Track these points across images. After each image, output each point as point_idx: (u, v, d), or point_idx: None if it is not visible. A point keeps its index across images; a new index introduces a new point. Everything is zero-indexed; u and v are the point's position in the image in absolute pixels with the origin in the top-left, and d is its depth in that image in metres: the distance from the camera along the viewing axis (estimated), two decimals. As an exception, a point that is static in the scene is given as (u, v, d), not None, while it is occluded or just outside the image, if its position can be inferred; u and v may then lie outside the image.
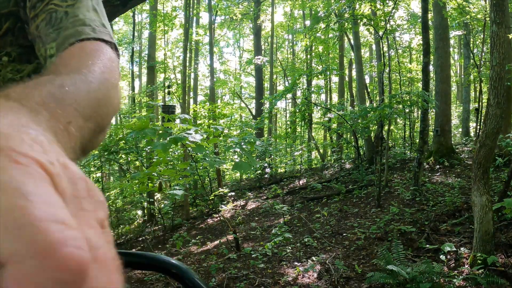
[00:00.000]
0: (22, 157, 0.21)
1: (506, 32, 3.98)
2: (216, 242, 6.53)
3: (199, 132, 4.02)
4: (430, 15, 9.48)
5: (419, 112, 9.19)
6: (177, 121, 5.48)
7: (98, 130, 0.44)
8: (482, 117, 6.76)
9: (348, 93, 15.51)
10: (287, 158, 14.08)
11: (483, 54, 11.74)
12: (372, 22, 8.73)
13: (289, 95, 13.00)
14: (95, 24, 0.63)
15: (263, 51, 20.62)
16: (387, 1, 8.32)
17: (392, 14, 8.73)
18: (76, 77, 0.43)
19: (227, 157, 12.88)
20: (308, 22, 17.06)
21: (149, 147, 7.14)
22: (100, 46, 0.58)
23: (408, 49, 16.43)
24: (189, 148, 4.62)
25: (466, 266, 3.81)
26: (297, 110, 10.17)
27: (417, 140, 9.28)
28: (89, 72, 0.46)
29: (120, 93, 0.54)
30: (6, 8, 0.69)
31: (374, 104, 10.94)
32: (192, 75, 13.75)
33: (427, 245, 4.61)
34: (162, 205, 10.28)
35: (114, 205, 10.37)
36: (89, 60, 0.50)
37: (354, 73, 14.17)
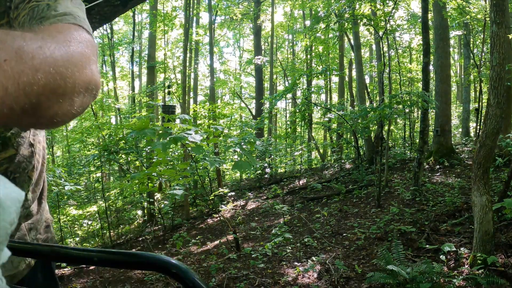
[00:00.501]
0: None
1: (506, 32, 3.98)
2: (216, 242, 6.53)
3: (199, 132, 4.02)
4: (430, 15, 9.48)
5: (419, 112, 9.19)
6: (177, 121, 5.49)
7: (56, 90, 0.45)
8: (482, 117, 6.76)
9: (348, 93, 15.51)
10: (287, 158, 14.08)
11: (483, 54, 11.74)
12: (372, 22, 8.73)
13: (289, 95, 13.00)
14: (77, 15, 0.66)
15: (263, 51, 20.62)
16: (387, 1, 8.32)
17: (392, 14, 8.73)
18: (33, 36, 0.45)
19: (227, 157, 12.88)
20: (308, 22, 17.06)
21: (149, 147, 7.14)
22: (74, 27, 0.60)
23: (408, 49, 16.42)
24: (189, 148, 4.62)
25: (466, 266, 3.81)
26: (297, 110, 10.17)
27: (417, 140, 9.28)
28: (50, 38, 0.48)
29: (94, 70, 0.54)
30: (3, 19, 0.72)
31: (374, 104, 10.94)
32: (192, 75, 13.74)
33: (427, 245, 4.61)
34: (162, 205, 10.28)
35: (114, 205, 10.37)
36: (57, 33, 0.52)
37: (354, 73, 14.17)
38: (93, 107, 10.77)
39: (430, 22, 9.57)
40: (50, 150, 14.54)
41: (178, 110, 12.65)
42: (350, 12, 8.59)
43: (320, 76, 11.93)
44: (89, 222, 10.21)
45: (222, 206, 9.08)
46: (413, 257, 4.44)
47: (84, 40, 0.56)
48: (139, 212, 10.79)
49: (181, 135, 3.81)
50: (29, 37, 0.44)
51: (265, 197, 10.26)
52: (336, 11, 9.40)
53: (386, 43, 9.31)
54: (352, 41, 13.00)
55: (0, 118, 0.39)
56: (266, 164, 12.08)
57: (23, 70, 0.40)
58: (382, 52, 9.28)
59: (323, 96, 19.39)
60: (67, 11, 0.65)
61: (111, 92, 17.92)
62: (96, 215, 9.72)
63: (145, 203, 9.63)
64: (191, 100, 12.82)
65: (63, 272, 6.10)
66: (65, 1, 0.68)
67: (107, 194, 9.71)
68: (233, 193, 10.81)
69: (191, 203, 10.39)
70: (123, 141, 7.80)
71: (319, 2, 14.44)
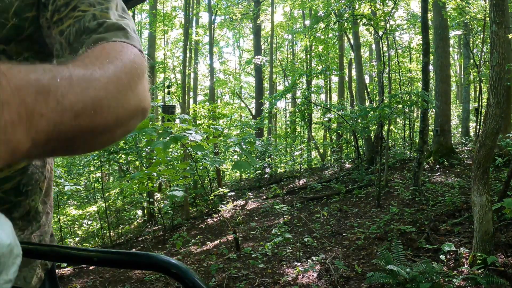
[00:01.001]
0: None
1: (506, 32, 3.98)
2: (216, 242, 6.53)
3: (199, 132, 4.02)
4: (430, 15, 9.48)
5: (419, 112, 9.20)
6: (177, 121, 5.49)
7: (95, 130, 0.42)
8: (482, 117, 6.76)
9: (348, 93, 15.51)
10: (287, 158, 14.08)
11: (483, 54, 11.74)
12: (372, 22, 8.73)
13: (289, 95, 13.00)
14: (127, 28, 0.61)
15: (263, 51, 20.62)
16: (387, 1, 8.32)
17: (392, 14, 8.73)
18: (78, 72, 0.41)
19: (227, 157, 12.88)
20: (308, 22, 17.06)
21: (149, 147, 7.14)
22: (126, 47, 0.55)
23: (408, 49, 16.43)
24: (189, 148, 4.62)
25: (466, 266, 3.81)
26: (297, 110, 10.17)
27: (417, 140, 9.29)
28: (99, 69, 0.44)
29: (141, 96, 0.50)
30: (30, 12, 0.67)
31: (374, 104, 10.93)
32: (192, 75, 13.75)
33: (427, 245, 4.61)
34: (162, 205, 10.28)
35: (114, 205, 10.37)
36: (106, 58, 0.48)
37: (354, 73, 14.17)
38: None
39: (430, 22, 9.57)
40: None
41: (178, 110, 12.67)
42: (349, 12, 8.59)
43: (319, 76, 11.93)
44: (89, 222, 10.22)
45: (222, 206, 9.08)
46: (413, 257, 4.44)
47: (133, 61, 0.51)
48: (139, 212, 10.79)
49: (182, 134, 3.81)
50: (69, 75, 0.39)
51: (265, 197, 10.26)
52: (336, 11, 9.40)
53: (386, 43, 9.31)
54: (351, 41, 13.00)
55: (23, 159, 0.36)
56: (266, 164, 12.08)
57: (60, 118, 0.37)
58: (382, 52, 9.28)
59: (322, 96, 19.39)
60: (116, 24, 0.60)
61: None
62: (96, 215, 9.72)
63: (145, 203, 9.63)
64: (191, 100, 12.83)
65: (63, 272, 6.10)
66: (112, 10, 0.63)
67: (107, 194, 9.71)
68: (233, 193, 10.81)
69: (191, 203, 10.39)
70: (123, 141, 7.79)
71: (319, 2, 14.45)
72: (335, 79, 17.97)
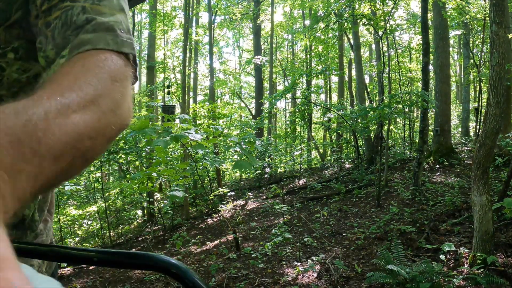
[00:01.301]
0: None
1: (505, 32, 3.98)
2: (216, 242, 6.54)
3: (199, 132, 4.02)
4: (429, 15, 9.48)
5: (419, 112, 9.19)
6: (177, 120, 5.49)
7: (80, 161, 0.40)
8: (482, 117, 6.76)
9: (348, 93, 15.51)
10: (287, 158, 14.08)
11: (483, 53, 11.74)
12: (371, 22, 8.73)
13: (288, 95, 13.00)
14: (120, 29, 0.55)
15: (262, 51, 20.62)
16: (387, 1, 8.32)
17: (391, 14, 8.73)
18: (55, 104, 0.38)
19: (227, 157, 12.87)
20: (307, 22, 17.06)
21: (149, 147, 7.14)
22: (110, 61, 0.51)
23: (407, 49, 16.42)
24: (189, 148, 4.62)
25: (466, 265, 3.82)
26: (297, 110, 10.17)
27: (417, 140, 9.29)
28: (78, 96, 0.41)
29: (124, 115, 0.48)
30: None
31: (374, 104, 10.93)
32: (192, 75, 13.75)
33: (427, 245, 4.61)
34: (162, 205, 10.28)
35: (114, 205, 10.36)
36: (86, 78, 0.45)
37: (353, 72, 14.17)
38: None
39: (429, 22, 9.57)
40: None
41: (177, 110, 12.67)
42: (349, 12, 8.59)
43: (319, 76, 11.94)
44: (89, 222, 10.21)
45: (222, 206, 9.08)
46: (413, 256, 4.44)
47: (113, 85, 0.47)
48: (139, 212, 10.79)
49: (182, 133, 3.81)
50: (46, 112, 0.36)
51: (264, 197, 10.26)
52: (336, 11, 9.40)
53: (386, 43, 9.31)
54: (351, 41, 13.00)
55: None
56: (265, 164, 12.08)
57: (39, 169, 0.34)
58: (381, 51, 9.28)
59: (322, 96, 19.38)
60: (106, 24, 0.54)
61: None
62: (96, 215, 9.72)
63: (145, 203, 9.63)
64: (191, 100, 12.83)
65: (63, 272, 6.10)
66: (105, 0, 0.57)
67: (106, 194, 9.70)
68: (232, 193, 10.80)
69: (191, 203, 10.39)
70: (123, 141, 7.79)
71: (319, 2, 14.45)
72: (335, 79, 17.98)
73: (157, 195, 10.37)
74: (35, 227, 0.79)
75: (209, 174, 11.16)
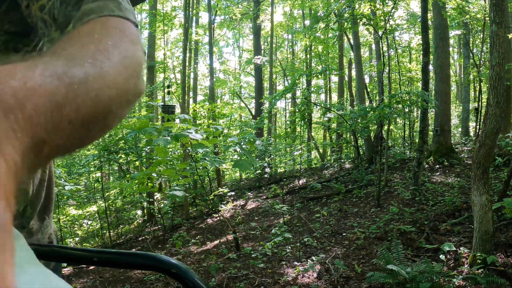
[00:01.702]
0: None
1: (505, 32, 3.98)
2: (216, 242, 6.54)
3: (199, 132, 4.03)
4: (429, 15, 9.48)
5: (419, 112, 9.19)
6: (177, 120, 5.48)
7: (101, 128, 0.37)
8: (482, 117, 6.76)
9: (348, 93, 15.51)
10: (287, 158, 14.08)
11: (483, 53, 11.74)
12: (371, 22, 8.73)
13: (288, 95, 13.00)
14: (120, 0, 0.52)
15: (262, 51, 20.62)
16: (387, 1, 8.32)
17: (391, 13, 8.73)
18: (85, 66, 0.34)
19: (227, 157, 12.87)
20: (307, 22, 17.06)
21: (148, 147, 7.14)
22: (125, 25, 0.48)
23: (407, 49, 16.43)
24: (189, 148, 4.62)
25: (466, 265, 3.82)
26: (297, 110, 10.17)
27: (417, 140, 9.29)
28: (106, 59, 0.38)
29: (140, 82, 0.44)
30: None
31: (374, 104, 10.93)
32: (192, 75, 13.75)
33: (427, 245, 4.61)
34: (162, 205, 10.28)
35: (114, 205, 10.37)
36: (108, 41, 0.41)
37: (353, 72, 14.16)
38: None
39: (429, 22, 9.57)
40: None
41: (177, 110, 12.66)
42: (349, 12, 8.59)
43: (319, 76, 11.94)
44: (89, 222, 10.21)
45: (222, 206, 9.08)
46: (413, 256, 4.44)
47: (135, 50, 0.45)
48: (139, 212, 10.79)
49: (182, 133, 3.82)
50: (66, 64, 0.33)
51: (264, 197, 10.26)
52: (336, 11, 9.39)
53: (386, 43, 9.31)
54: (351, 41, 13.00)
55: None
56: (265, 164, 12.08)
57: (60, 121, 0.30)
58: (381, 51, 9.28)
59: (322, 96, 19.39)
60: None
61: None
62: (96, 215, 9.72)
63: (145, 203, 9.63)
64: (191, 100, 12.82)
65: (63, 272, 6.09)
66: None
67: (106, 194, 9.70)
68: (232, 193, 10.80)
69: (191, 203, 10.39)
70: (123, 141, 7.79)
71: (319, 2, 14.45)
72: (335, 79, 17.98)
73: (157, 195, 10.36)
74: (25, 223, 0.74)
75: (209, 174, 11.16)
